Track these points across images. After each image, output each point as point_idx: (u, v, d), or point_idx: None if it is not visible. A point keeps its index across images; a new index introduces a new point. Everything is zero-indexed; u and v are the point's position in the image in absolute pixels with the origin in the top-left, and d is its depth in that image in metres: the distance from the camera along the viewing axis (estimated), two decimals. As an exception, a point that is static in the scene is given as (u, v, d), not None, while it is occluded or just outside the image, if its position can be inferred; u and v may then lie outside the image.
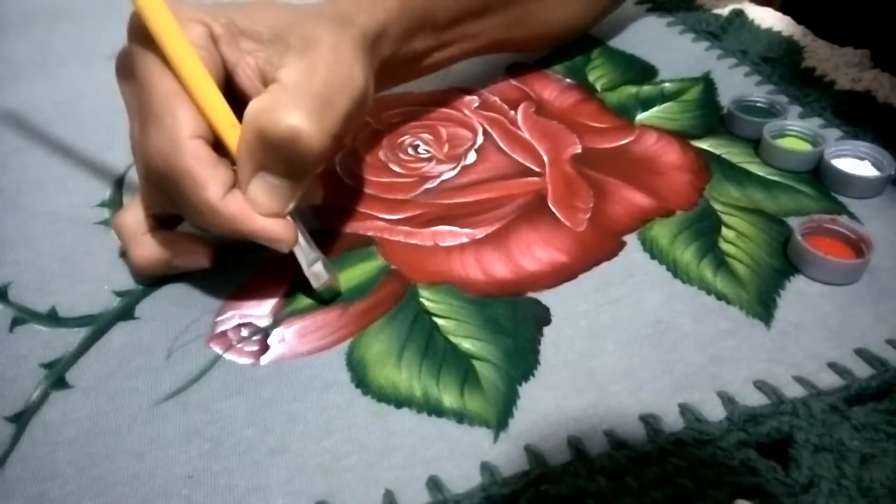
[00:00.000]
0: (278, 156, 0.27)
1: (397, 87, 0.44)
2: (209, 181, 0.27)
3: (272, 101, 0.27)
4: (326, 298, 0.31)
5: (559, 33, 0.46)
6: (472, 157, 0.39)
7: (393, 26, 0.33)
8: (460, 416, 0.26)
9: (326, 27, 0.29)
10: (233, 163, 0.28)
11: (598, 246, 0.33)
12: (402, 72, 0.38)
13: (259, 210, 0.28)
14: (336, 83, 0.28)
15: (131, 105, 0.30)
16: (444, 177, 0.38)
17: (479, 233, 0.34)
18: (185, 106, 0.27)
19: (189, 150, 0.27)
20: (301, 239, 0.29)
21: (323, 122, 0.27)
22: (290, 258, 0.31)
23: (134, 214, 0.31)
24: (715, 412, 0.26)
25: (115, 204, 0.37)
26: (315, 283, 0.30)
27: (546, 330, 0.29)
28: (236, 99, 0.29)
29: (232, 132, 0.28)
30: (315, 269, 0.30)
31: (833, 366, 0.28)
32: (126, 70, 0.30)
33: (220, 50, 0.29)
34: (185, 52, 0.27)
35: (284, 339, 0.29)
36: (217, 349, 0.29)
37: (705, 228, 0.34)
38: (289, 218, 0.29)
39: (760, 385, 0.27)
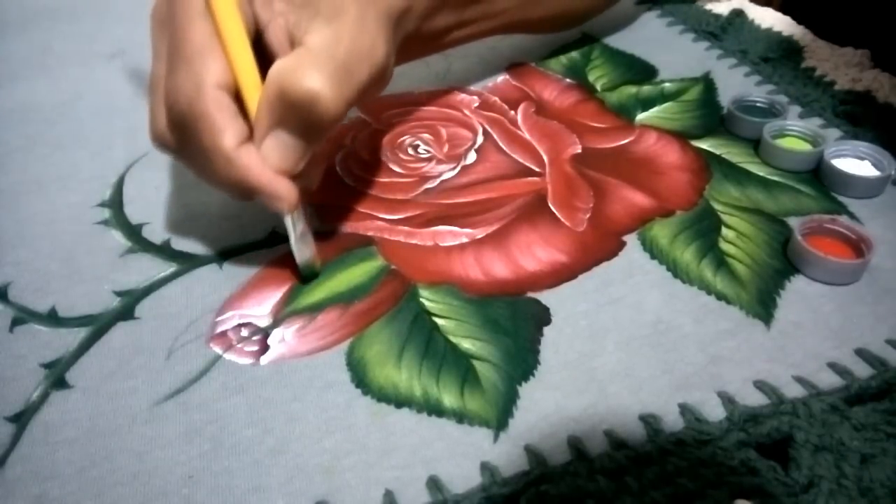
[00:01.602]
0: (295, 115, 0.28)
1: (397, 87, 0.44)
2: (226, 128, 0.28)
3: (297, 62, 0.28)
4: (304, 275, 0.31)
5: (579, 13, 0.47)
6: (472, 157, 0.39)
7: (419, 2, 0.34)
8: (460, 416, 0.26)
9: None
10: (250, 123, 0.29)
11: (598, 246, 0.33)
12: (422, 48, 0.39)
13: (270, 165, 0.29)
14: (358, 54, 0.29)
15: (159, 49, 0.30)
16: (444, 177, 0.38)
17: (479, 233, 0.34)
18: (218, 56, 0.28)
19: (213, 96, 0.28)
20: (300, 208, 0.30)
21: (341, 89, 0.28)
22: (293, 257, 0.31)
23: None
24: (715, 412, 0.26)
25: (115, 204, 0.37)
26: (298, 257, 0.31)
27: (546, 330, 0.29)
28: (263, 58, 0.29)
29: (254, 93, 0.29)
30: (302, 243, 0.31)
31: (833, 366, 0.27)
32: (161, 15, 0.30)
33: (254, 8, 0.30)
34: (227, 6, 0.28)
35: (284, 339, 0.29)
36: (217, 349, 0.29)
37: (705, 228, 0.34)
38: (293, 183, 0.29)
39: (760, 385, 0.27)
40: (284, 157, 0.29)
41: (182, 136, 0.29)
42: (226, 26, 0.28)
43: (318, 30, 0.29)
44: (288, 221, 0.30)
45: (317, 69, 0.28)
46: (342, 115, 0.29)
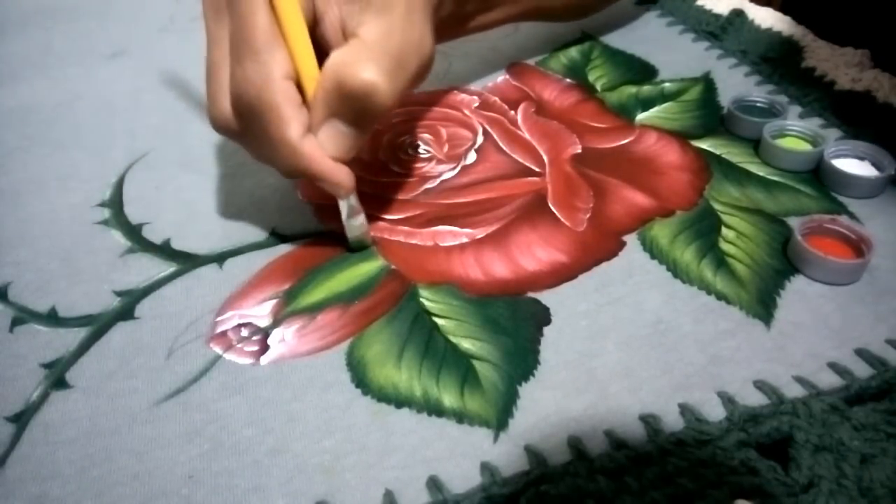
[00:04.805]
0: (351, 106, 0.29)
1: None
2: (293, 120, 0.29)
3: (353, 55, 0.29)
4: (354, 248, 0.33)
5: (598, 0, 0.48)
6: (472, 157, 0.39)
7: None
8: (460, 416, 0.26)
9: None
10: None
11: (598, 246, 0.33)
12: (448, 32, 0.40)
13: (326, 152, 0.30)
14: (409, 46, 0.30)
15: (216, 35, 0.31)
16: (444, 177, 0.38)
17: (479, 233, 0.34)
18: (282, 47, 0.29)
19: (281, 88, 0.29)
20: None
21: (395, 81, 0.29)
22: (293, 257, 0.31)
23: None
24: (715, 412, 0.26)
25: (115, 204, 0.37)
26: (350, 234, 0.33)
27: (546, 330, 0.29)
28: (317, 46, 0.30)
29: (313, 83, 0.30)
30: (353, 221, 0.32)
31: (833, 366, 0.27)
32: (217, 3, 0.31)
33: None
34: None
35: (284, 339, 0.29)
36: (217, 349, 0.29)
37: (705, 228, 0.34)
38: (348, 168, 0.31)
39: (760, 385, 0.27)
40: (340, 145, 0.30)
41: (247, 124, 0.30)
42: (287, 18, 0.29)
43: (370, 21, 0.30)
44: (342, 203, 0.32)
45: (373, 62, 0.29)
46: (395, 106, 0.30)
